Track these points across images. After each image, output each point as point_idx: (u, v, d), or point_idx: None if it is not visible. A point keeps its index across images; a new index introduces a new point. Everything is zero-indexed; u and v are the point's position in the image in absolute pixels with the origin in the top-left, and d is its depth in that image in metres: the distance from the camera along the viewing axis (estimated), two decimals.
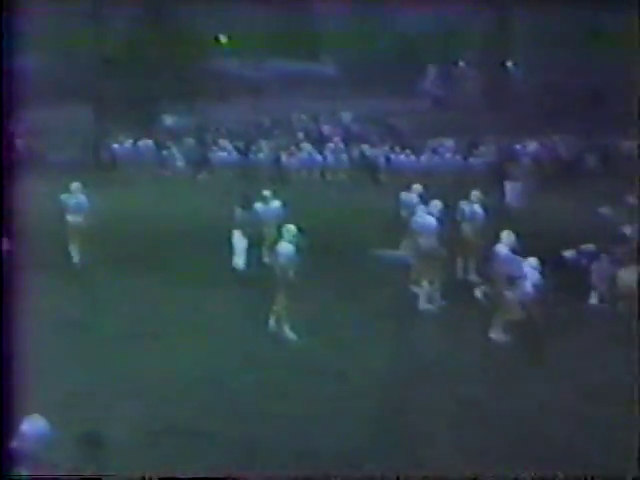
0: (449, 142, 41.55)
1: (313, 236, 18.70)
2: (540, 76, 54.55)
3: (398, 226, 22.17)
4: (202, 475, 10.42)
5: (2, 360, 10.92)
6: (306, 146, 40.90)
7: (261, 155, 40.08)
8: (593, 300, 18.61)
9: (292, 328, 16.31)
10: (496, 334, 16.19)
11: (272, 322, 16.55)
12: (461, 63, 66.37)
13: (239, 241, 21.37)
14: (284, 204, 22.16)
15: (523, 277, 16.19)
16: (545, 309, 16.17)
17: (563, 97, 53.56)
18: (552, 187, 32.65)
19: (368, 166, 39.32)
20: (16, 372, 10.77)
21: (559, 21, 54.08)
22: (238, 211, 21.56)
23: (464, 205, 20.56)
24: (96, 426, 10.46)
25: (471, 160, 38.68)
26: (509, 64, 58.76)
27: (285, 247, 16.44)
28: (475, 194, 20.72)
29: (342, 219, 27.84)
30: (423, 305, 18.41)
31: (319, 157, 39.84)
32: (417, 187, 22.58)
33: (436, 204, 19.50)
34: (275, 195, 22.53)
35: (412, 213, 20.39)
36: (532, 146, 40.14)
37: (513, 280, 16.09)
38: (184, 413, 12.76)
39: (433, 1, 68.48)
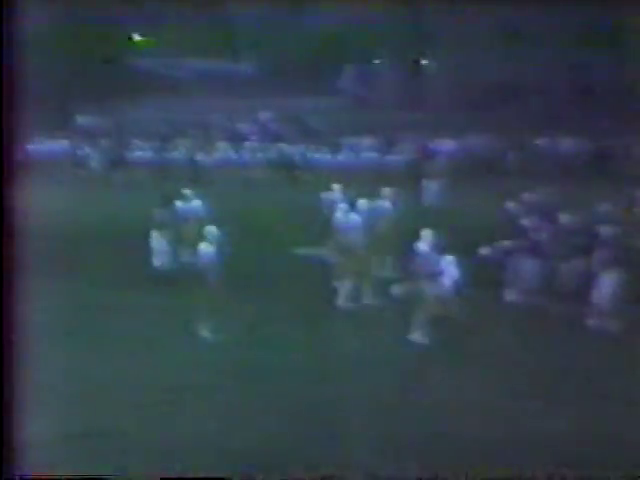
0: (367, 140, 41.66)
1: (232, 235, 18.50)
2: (456, 74, 55.00)
3: (318, 224, 22.14)
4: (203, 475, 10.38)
5: None
6: (223, 145, 40.67)
7: (177, 154, 39.74)
8: (509, 296, 18.81)
9: (213, 329, 16.19)
10: (416, 331, 16.24)
11: (193, 323, 16.39)
12: (378, 61, 66.58)
13: (158, 241, 21.16)
14: (204, 203, 22.01)
15: (441, 274, 16.28)
16: (463, 305, 16.32)
17: (478, 95, 54.08)
18: (469, 184, 32.92)
19: (286, 165, 39.25)
20: None
21: (474, 19, 54.58)
22: (157, 211, 21.34)
23: (383, 203, 20.61)
24: None
25: (389, 158, 38.86)
26: (424, 62, 59.11)
27: (207, 248, 16.32)
28: (393, 192, 20.79)
29: (261, 218, 27.72)
30: (343, 302, 18.41)
31: (236, 156, 39.65)
32: (337, 186, 22.64)
33: (356, 202, 19.62)
34: (195, 194, 22.36)
35: (333, 211, 20.42)
36: (448, 144, 40.38)
37: (432, 277, 16.17)
38: (101, 415, 12.56)
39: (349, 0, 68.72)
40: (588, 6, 51.37)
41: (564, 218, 18.90)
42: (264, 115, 49.99)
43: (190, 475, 10.46)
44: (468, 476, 10.52)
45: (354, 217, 19.32)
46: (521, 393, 13.73)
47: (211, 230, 16.51)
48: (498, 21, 54.66)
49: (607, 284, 16.78)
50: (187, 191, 22.36)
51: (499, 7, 53.77)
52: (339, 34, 73.36)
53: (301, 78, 67.95)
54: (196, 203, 21.98)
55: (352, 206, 19.82)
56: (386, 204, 20.33)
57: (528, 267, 18.65)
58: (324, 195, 22.94)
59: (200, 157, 39.17)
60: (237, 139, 42.60)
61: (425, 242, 16.71)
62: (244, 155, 39.72)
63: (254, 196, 33.05)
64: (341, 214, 19.78)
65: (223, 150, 39.94)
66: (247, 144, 40.78)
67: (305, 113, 48.61)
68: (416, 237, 17.02)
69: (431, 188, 30.25)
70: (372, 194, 21.38)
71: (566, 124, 42.20)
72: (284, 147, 40.88)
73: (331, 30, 74.35)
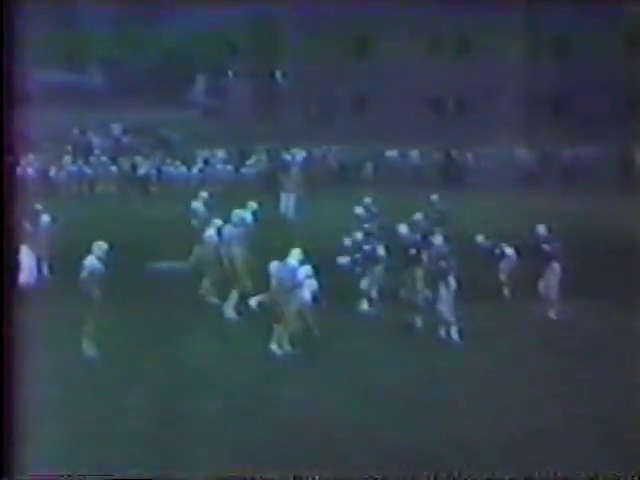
0: (220, 152, 41.62)
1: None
2: (309, 86, 55.45)
3: (174, 238, 22.08)
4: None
5: None
6: (74, 159, 40.01)
7: (30, 170, 38.80)
8: (364, 305, 19.06)
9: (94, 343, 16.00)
10: (276, 344, 16.24)
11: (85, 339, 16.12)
12: (230, 73, 66.56)
13: (27, 256, 20.73)
14: (53, 219, 21.70)
15: (299, 286, 16.42)
16: (321, 316, 16.53)
17: (332, 106, 54.69)
18: (324, 195, 33.30)
19: (139, 178, 38.90)
20: None
21: (328, 31, 55.18)
22: (26, 225, 20.94)
23: (242, 216, 20.55)
24: None
25: (243, 170, 38.97)
26: (278, 74, 59.42)
27: (92, 262, 16.05)
28: (252, 204, 20.83)
29: (114, 233, 27.33)
30: (228, 312, 18.44)
31: (89, 170, 39.03)
32: (203, 195, 22.83)
33: (215, 215, 19.87)
34: (45, 210, 22.03)
35: (197, 224, 20.76)
36: (301, 155, 40.57)
37: (290, 289, 16.27)
38: None
39: (203, 11, 68.50)
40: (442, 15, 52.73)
41: (402, 228, 19.28)
42: (116, 128, 49.36)
43: None
44: None
45: (214, 231, 19.45)
46: (382, 401, 13.93)
47: (101, 245, 16.24)
48: (352, 33, 55.42)
49: (444, 292, 17.19)
50: (38, 206, 22.01)
51: (353, 19, 54.62)
52: (191, 44, 73.16)
53: (153, 90, 67.47)
54: (45, 219, 21.68)
55: (213, 219, 19.91)
56: (247, 217, 20.27)
57: (374, 276, 19.03)
58: (192, 205, 22.75)
59: (52, 172, 38.42)
60: (89, 153, 41.97)
61: (286, 256, 16.84)
62: (96, 168, 39.10)
63: (106, 210, 32.60)
64: (204, 227, 19.90)
65: (75, 164, 39.24)
66: (99, 158, 40.17)
67: (158, 126, 48.22)
68: (275, 250, 17.13)
69: (288, 199, 30.26)
70: (230, 207, 21.44)
71: (418, 135, 43.07)
72: (137, 160, 40.43)
73: (182, 40, 74.09)
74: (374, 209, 22.44)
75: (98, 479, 10.68)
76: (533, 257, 18.74)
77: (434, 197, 23.80)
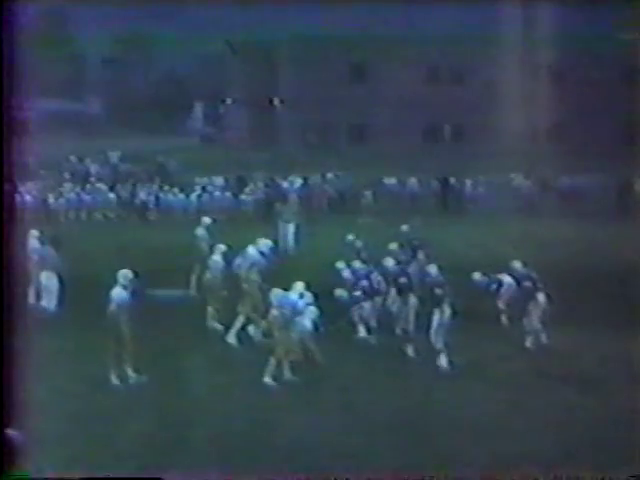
0: (218, 180, 41.64)
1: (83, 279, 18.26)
2: (307, 113, 55.68)
3: (173, 265, 22.10)
4: None
5: None
6: (73, 186, 40.01)
7: (28, 197, 38.78)
8: (362, 333, 19.10)
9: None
10: (269, 377, 16.13)
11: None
12: (228, 101, 66.81)
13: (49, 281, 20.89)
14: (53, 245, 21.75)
15: (300, 313, 16.46)
16: (321, 344, 16.55)
17: (330, 134, 54.92)
18: (323, 223, 33.21)
19: (137, 205, 38.92)
20: None
21: (326, 58, 55.49)
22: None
23: (255, 250, 20.47)
24: None
25: (241, 198, 39.00)
26: (276, 101, 59.64)
27: (119, 293, 16.01)
28: (253, 232, 20.94)
29: (112, 260, 27.34)
30: (231, 339, 18.45)
31: (87, 197, 39.03)
32: (206, 221, 23.09)
33: (218, 244, 19.89)
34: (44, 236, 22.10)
35: (200, 251, 21.11)
36: (298, 183, 40.55)
37: (291, 317, 16.28)
38: None
39: (201, 39, 68.82)
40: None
41: (388, 261, 19.48)
42: (114, 155, 49.44)
43: None
44: None
45: (219, 258, 19.54)
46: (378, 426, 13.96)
47: (126, 274, 16.22)
48: (350, 60, 55.71)
49: (437, 321, 17.25)
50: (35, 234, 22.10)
51: (351, 47, 54.94)
52: (188, 72, 73.46)
53: (151, 118, 67.72)
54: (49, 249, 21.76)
55: (216, 247, 20.00)
56: (249, 248, 20.20)
57: (368, 306, 19.13)
58: (196, 231, 22.80)
59: (51, 199, 38.39)
60: (87, 180, 41.99)
61: (286, 284, 16.93)
62: (95, 196, 39.11)
63: (104, 237, 32.58)
64: (208, 253, 20.10)
65: (73, 192, 39.22)
66: (97, 185, 40.18)
67: (156, 153, 48.33)
68: (275, 278, 17.19)
69: (286, 229, 29.86)
70: (230, 234, 21.53)
71: (413, 164, 43.23)
72: (135, 188, 40.42)
73: (180, 68, 74.41)
74: (370, 238, 22.48)
75: None
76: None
77: (407, 226, 23.51)
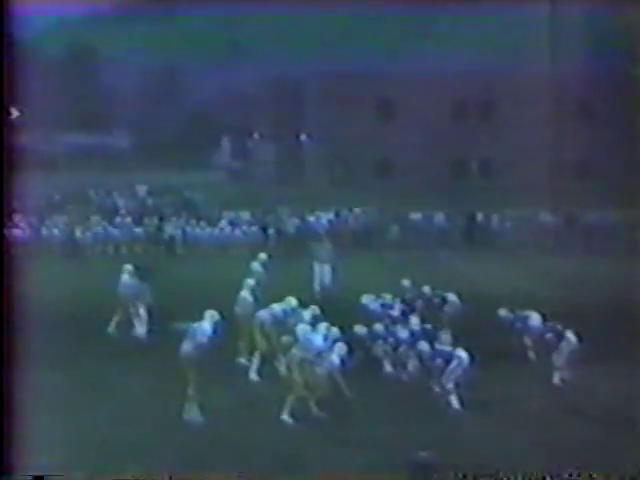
0: (245, 214, 41.73)
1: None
2: (333, 148, 55.86)
3: (201, 298, 22.19)
4: None
5: None
6: (100, 220, 40.20)
7: (56, 230, 39.06)
8: (388, 368, 19.12)
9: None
10: (287, 414, 16.12)
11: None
12: (256, 135, 67.16)
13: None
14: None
15: (328, 349, 16.53)
16: (350, 380, 16.58)
17: (356, 169, 55.00)
18: (351, 258, 33.08)
19: (164, 239, 39.04)
20: None
21: (353, 93, 55.70)
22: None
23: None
24: None
25: (269, 233, 39.07)
26: (303, 136, 59.88)
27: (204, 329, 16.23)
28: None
29: None
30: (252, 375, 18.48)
31: (114, 231, 39.19)
32: (262, 256, 23.70)
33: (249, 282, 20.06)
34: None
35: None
36: (327, 218, 40.57)
37: (319, 353, 16.32)
38: None
39: (225, 74, 69.30)
40: None
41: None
42: (141, 189, 49.67)
43: None
44: None
45: (249, 292, 19.71)
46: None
47: (214, 314, 16.50)
48: (376, 95, 55.85)
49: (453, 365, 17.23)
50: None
51: (377, 82, 55.14)
52: (216, 107, 73.76)
53: (179, 152, 67.98)
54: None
55: (245, 283, 20.18)
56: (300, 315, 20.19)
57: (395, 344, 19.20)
58: (251, 266, 22.94)
59: (78, 233, 38.57)
60: (114, 214, 42.18)
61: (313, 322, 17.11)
62: (122, 230, 39.28)
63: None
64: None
65: (100, 226, 39.38)
66: (125, 219, 40.36)
67: (183, 187, 48.54)
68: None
69: (322, 268, 29.05)
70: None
71: (439, 199, 43.21)
72: (162, 222, 40.54)
73: (208, 103, 74.78)
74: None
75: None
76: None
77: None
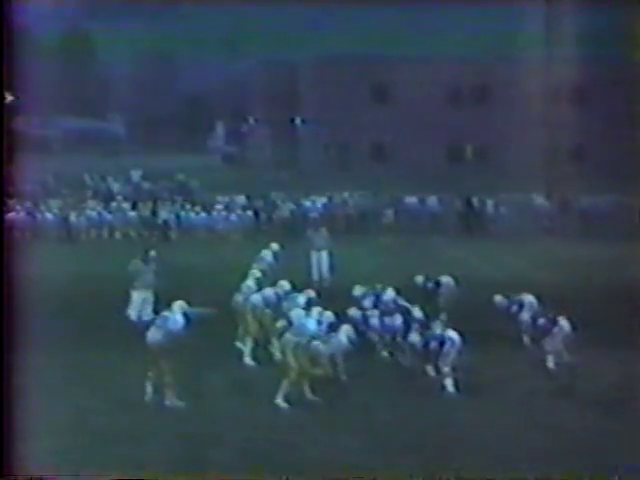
0: (240, 198, 41.63)
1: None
2: (328, 132, 55.81)
3: (195, 283, 22.15)
4: None
5: None
6: (94, 204, 40.12)
7: (49, 215, 38.92)
8: (382, 352, 19.10)
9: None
10: (281, 399, 16.09)
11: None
12: (251, 120, 67.04)
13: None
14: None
15: (324, 334, 16.57)
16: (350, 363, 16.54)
17: (351, 153, 54.97)
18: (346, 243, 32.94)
19: (159, 224, 38.91)
20: None
21: (347, 77, 55.62)
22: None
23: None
24: None
25: (262, 216, 39.01)
26: (297, 120, 59.78)
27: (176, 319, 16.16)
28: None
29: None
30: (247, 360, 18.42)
31: (108, 216, 39.06)
32: (274, 245, 23.21)
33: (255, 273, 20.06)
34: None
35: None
36: (320, 202, 40.46)
37: (306, 343, 16.28)
38: None
39: (222, 58, 69.13)
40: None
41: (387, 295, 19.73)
42: (136, 174, 49.53)
43: None
44: None
45: (252, 284, 19.57)
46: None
47: (182, 304, 16.40)
48: (371, 79, 55.77)
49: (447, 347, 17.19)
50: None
51: (372, 66, 55.04)
52: (210, 91, 73.62)
53: (173, 137, 67.90)
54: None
55: (251, 273, 20.12)
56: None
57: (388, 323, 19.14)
58: (262, 254, 22.77)
59: (72, 217, 38.43)
60: (109, 199, 42.08)
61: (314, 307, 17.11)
62: (116, 214, 39.16)
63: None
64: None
65: (95, 210, 39.26)
66: (119, 204, 40.26)
67: (177, 172, 48.42)
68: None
69: (319, 256, 28.74)
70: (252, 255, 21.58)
71: (434, 183, 43.14)
72: (156, 206, 40.39)
73: (202, 87, 74.63)
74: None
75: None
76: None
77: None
